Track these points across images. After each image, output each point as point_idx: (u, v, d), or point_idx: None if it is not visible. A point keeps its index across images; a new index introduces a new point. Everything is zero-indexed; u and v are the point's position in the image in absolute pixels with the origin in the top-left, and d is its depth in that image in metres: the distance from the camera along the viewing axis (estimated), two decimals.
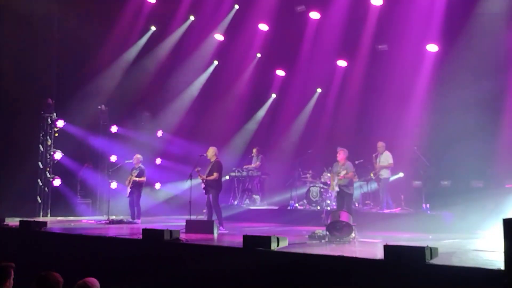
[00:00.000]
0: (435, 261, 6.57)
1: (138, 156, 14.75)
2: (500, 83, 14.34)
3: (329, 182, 14.72)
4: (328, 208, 14.01)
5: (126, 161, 15.24)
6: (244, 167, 17.05)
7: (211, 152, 12.65)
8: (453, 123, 14.33)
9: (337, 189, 12.09)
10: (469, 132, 13.91)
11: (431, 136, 14.79)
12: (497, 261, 6.63)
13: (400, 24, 14.89)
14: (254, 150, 17.33)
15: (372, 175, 14.69)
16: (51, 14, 15.51)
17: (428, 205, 13.08)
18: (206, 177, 12.32)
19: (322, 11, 15.38)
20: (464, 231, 11.72)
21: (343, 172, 11.88)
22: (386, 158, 14.36)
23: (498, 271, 6.05)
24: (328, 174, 14.93)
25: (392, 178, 14.59)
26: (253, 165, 16.99)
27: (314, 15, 15.55)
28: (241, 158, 17.65)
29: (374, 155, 14.53)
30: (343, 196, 12.15)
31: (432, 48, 15.07)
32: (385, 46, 15.57)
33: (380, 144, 14.58)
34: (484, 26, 13.75)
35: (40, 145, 16.00)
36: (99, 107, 17.21)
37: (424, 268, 6.41)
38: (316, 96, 18.55)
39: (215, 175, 12.35)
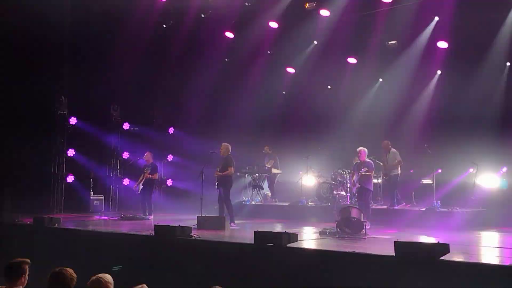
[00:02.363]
0: (446, 257, 6.59)
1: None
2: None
3: (339, 179, 14.84)
4: (339, 205, 14.03)
5: (139, 158, 15.37)
6: (260, 165, 17.03)
7: (224, 148, 12.73)
8: (464, 120, 14.31)
9: (358, 185, 12.42)
10: (480, 128, 13.88)
11: (442, 133, 14.75)
12: (509, 258, 6.65)
13: (410, 20, 14.83)
14: (266, 148, 17.36)
15: (383, 176, 14.73)
16: (64, 10, 15.61)
17: (439, 202, 13.06)
18: (221, 172, 12.40)
19: (332, 9, 15.33)
20: (475, 227, 11.70)
21: (364, 170, 12.20)
22: (393, 156, 14.35)
23: (510, 267, 6.07)
24: (339, 171, 15.02)
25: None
26: (267, 164, 17.02)
27: (325, 12, 15.52)
28: (251, 155, 17.66)
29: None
30: (362, 192, 12.40)
31: (443, 45, 15.00)
32: (395, 43, 15.51)
33: (386, 143, 14.55)
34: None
35: (54, 142, 16.13)
36: (111, 104, 17.32)
37: (435, 265, 6.43)
38: (326, 92, 18.51)
39: (230, 169, 12.48)
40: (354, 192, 13.34)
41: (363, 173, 12.22)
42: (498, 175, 13.52)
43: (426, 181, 14.04)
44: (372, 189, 12.88)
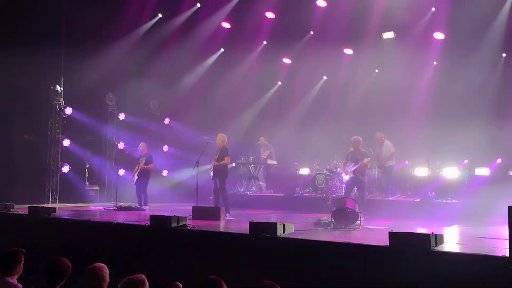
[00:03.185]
0: (440, 248, 6.63)
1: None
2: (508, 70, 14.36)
3: (334, 170, 14.85)
4: (334, 196, 14.06)
5: (134, 149, 15.37)
6: (256, 156, 17.04)
7: (220, 138, 12.75)
8: (458, 111, 14.35)
9: (351, 174, 12.13)
10: (475, 120, 13.91)
11: (437, 124, 14.79)
12: (502, 248, 6.68)
13: (406, 12, 14.84)
14: (262, 139, 17.37)
15: (377, 168, 14.74)
16: (59, 2, 15.53)
17: (433, 193, 13.11)
18: (217, 162, 12.42)
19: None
20: (469, 218, 11.76)
21: (365, 159, 11.90)
22: (387, 148, 14.39)
23: (503, 258, 6.11)
24: (334, 162, 15.02)
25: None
26: (263, 155, 17.04)
27: (321, 3, 15.49)
28: (246, 146, 17.69)
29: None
30: (355, 183, 12.21)
31: (439, 36, 15.01)
32: (392, 34, 15.51)
33: (379, 135, 14.58)
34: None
35: (49, 132, 16.10)
36: (107, 94, 17.26)
37: (429, 255, 6.46)
38: (322, 83, 18.52)
39: (226, 159, 12.52)
40: (347, 181, 13.19)
41: (365, 162, 11.86)
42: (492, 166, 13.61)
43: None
44: (366, 181, 12.57)
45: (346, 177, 12.81)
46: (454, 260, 6.42)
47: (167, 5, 16.72)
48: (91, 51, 15.64)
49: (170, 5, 16.74)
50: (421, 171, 14.11)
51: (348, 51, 17.12)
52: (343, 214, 10.06)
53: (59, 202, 15.58)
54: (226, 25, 17.51)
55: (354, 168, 12.04)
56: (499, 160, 13.68)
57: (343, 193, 12.91)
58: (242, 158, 16.82)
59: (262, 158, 16.94)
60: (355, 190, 12.65)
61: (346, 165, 12.50)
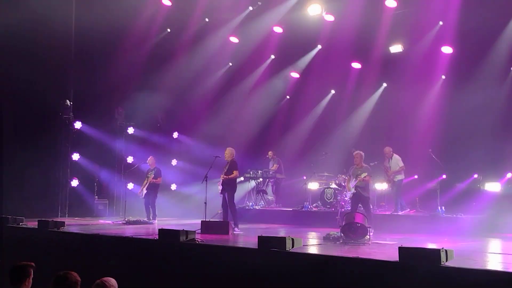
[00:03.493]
0: (451, 263, 6.57)
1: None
2: None
3: (343, 184, 14.77)
4: (343, 210, 14.00)
5: (143, 163, 15.41)
6: (264, 170, 17.05)
7: (228, 152, 12.77)
8: (468, 125, 14.30)
9: (353, 190, 12.01)
10: (485, 134, 13.87)
11: (446, 138, 14.74)
12: None
13: (414, 26, 14.87)
14: (270, 153, 17.36)
15: (386, 183, 14.69)
16: (68, 15, 15.68)
17: (443, 208, 13.03)
18: (227, 176, 12.42)
19: (337, 13, 15.37)
20: (479, 233, 11.67)
21: (363, 174, 11.78)
22: (396, 162, 14.35)
23: None
24: (343, 176, 14.95)
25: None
26: (272, 168, 17.05)
27: (329, 17, 15.55)
28: (255, 160, 17.69)
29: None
30: (359, 199, 12.08)
31: (447, 50, 15.00)
32: (400, 48, 15.53)
33: (387, 150, 14.54)
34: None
35: (58, 146, 16.17)
36: (116, 108, 17.36)
37: (440, 271, 6.41)
38: (330, 97, 18.53)
39: (235, 173, 12.56)
40: (348, 198, 13.12)
41: (361, 179, 11.74)
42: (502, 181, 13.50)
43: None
44: (370, 196, 12.45)
45: (350, 194, 12.57)
46: (465, 276, 6.35)
47: (176, 20, 16.85)
48: (100, 65, 15.79)
49: (178, 20, 16.86)
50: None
51: (356, 65, 17.12)
52: (352, 229, 10.00)
53: (68, 216, 15.60)
54: (234, 39, 17.60)
55: (354, 183, 11.95)
56: (509, 175, 13.57)
57: (339, 211, 12.78)
58: (251, 172, 16.81)
59: (271, 172, 16.92)
60: (360, 206, 12.56)
61: (349, 181, 12.39)
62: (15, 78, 14.60)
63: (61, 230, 11.46)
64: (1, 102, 14.97)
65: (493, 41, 14.19)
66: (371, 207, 14.59)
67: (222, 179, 12.53)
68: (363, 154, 12.21)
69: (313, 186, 16.21)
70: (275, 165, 17.05)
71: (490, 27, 13.64)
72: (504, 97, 14.57)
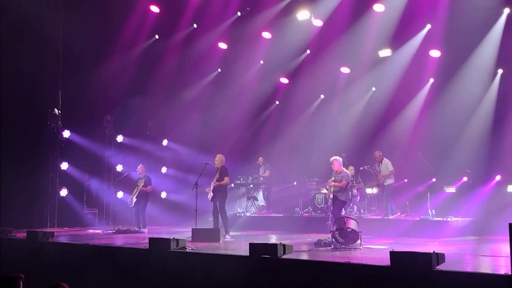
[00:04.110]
0: (442, 267, 6.58)
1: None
2: (505, 86, 14.40)
3: None
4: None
5: (133, 171, 15.32)
6: (254, 176, 16.99)
7: (218, 159, 12.73)
8: (456, 128, 14.38)
9: (331, 196, 11.97)
10: (474, 136, 13.95)
11: (435, 141, 14.79)
12: (504, 266, 6.64)
13: (402, 30, 14.94)
14: (260, 159, 17.33)
15: (375, 188, 14.73)
16: (56, 23, 15.61)
17: (433, 211, 13.07)
18: (217, 182, 12.38)
19: (325, 18, 15.43)
20: (469, 236, 11.71)
21: (330, 179, 11.81)
22: (386, 166, 14.39)
23: (505, 276, 6.06)
24: None
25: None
26: (264, 174, 17.01)
27: (317, 22, 15.60)
28: (245, 166, 17.65)
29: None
30: (335, 203, 11.97)
31: (435, 53, 15.08)
32: (388, 52, 15.60)
33: (377, 154, 14.58)
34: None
35: (46, 155, 16.05)
36: (104, 116, 17.27)
37: (431, 274, 6.42)
38: (319, 102, 18.56)
39: (226, 179, 12.52)
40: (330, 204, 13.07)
41: (333, 184, 11.68)
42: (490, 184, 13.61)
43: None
44: (346, 201, 12.33)
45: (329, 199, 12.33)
46: (456, 279, 6.37)
47: (164, 26, 16.83)
48: (88, 74, 15.71)
49: (166, 26, 16.85)
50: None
51: (344, 69, 17.17)
52: (344, 234, 10.01)
53: (57, 226, 15.46)
54: (222, 45, 17.60)
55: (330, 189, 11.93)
56: (498, 177, 13.65)
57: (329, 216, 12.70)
58: (241, 179, 16.77)
59: (261, 178, 16.88)
60: (343, 211, 12.49)
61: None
62: (2, 86, 14.47)
63: (50, 240, 11.35)
64: None
65: (480, 42, 14.25)
66: (361, 211, 14.71)
67: (213, 186, 12.48)
68: (340, 159, 12.11)
69: (304, 191, 16.18)
70: (266, 171, 17.02)
71: (477, 28, 13.69)
72: (492, 99, 14.63)
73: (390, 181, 14.33)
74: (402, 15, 14.50)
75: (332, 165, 11.95)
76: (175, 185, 17.79)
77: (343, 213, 13.69)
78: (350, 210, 14.74)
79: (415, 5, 14.27)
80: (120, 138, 17.62)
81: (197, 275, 8.50)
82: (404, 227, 12.82)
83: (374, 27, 15.07)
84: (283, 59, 17.68)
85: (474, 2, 13.01)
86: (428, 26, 14.86)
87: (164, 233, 12.92)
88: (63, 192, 16.12)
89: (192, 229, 11.68)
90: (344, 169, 12.05)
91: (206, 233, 11.62)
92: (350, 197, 13.61)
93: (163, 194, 18.04)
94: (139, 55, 17.11)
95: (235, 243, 11.50)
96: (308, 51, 17.39)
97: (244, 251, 8.46)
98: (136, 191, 14.47)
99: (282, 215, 16.04)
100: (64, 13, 15.75)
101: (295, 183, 16.66)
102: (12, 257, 10.94)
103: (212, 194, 12.48)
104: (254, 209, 16.86)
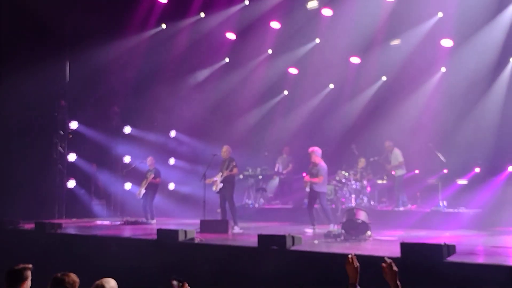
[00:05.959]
0: (452, 258, 6.51)
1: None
2: None
3: (343, 180, 14.67)
4: (344, 206, 13.93)
5: (140, 162, 15.28)
6: (263, 167, 16.90)
7: (225, 150, 12.66)
8: (468, 118, 14.21)
9: (307, 189, 12.03)
10: (485, 126, 13.76)
11: (446, 132, 14.62)
12: None
13: (413, 19, 14.74)
14: (286, 149, 17.15)
15: (385, 178, 14.62)
16: (63, 15, 15.56)
17: (444, 202, 12.94)
18: (229, 172, 12.28)
19: (335, 8, 15.26)
20: (481, 228, 11.58)
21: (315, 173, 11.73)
22: (396, 157, 14.26)
23: None
24: (343, 172, 14.86)
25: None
26: (288, 169, 16.89)
27: (327, 11, 15.43)
28: (254, 157, 17.55)
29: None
30: (313, 195, 11.97)
31: (447, 43, 14.86)
32: (399, 42, 15.40)
33: (388, 144, 14.47)
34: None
35: (54, 147, 16.05)
36: (112, 108, 17.23)
37: (442, 266, 6.35)
38: (329, 92, 18.38)
39: (235, 170, 12.41)
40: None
41: (309, 179, 11.73)
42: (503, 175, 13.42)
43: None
44: (323, 191, 12.18)
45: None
46: (467, 270, 6.29)
47: (171, 15, 16.72)
48: (96, 65, 15.66)
49: (174, 15, 16.74)
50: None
51: (355, 59, 16.97)
52: (353, 225, 9.92)
53: (65, 217, 15.50)
54: (231, 35, 17.46)
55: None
56: (510, 168, 13.47)
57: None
58: (250, 170, 16.69)
59: (284, 172, 16.75)
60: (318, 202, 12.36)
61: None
62: (10, 79, 14.47)
63: (59, 231, 11.38)
64: None
65: (490, 31, 14.02)
66: (371, 202, 14.58)
67: (224, 176, 12.37)
68: (319, 151, 12.04)
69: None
70: (290, 164, 16.93)
71: (488, 14, 13.48)
72: (505, 88, 14.41)
73: (401, 172, 14.19)
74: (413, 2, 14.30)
75: (310, 156, 11.89)
76: (183, 176, 17.74)
77: (353, 204, 13.66)
78: (360, 201, 14.63)
79: None
80: (128, 129, 17.58)
81: (205, 266, 8.46)
82: (415, 218, 12.71)
83: (384, 16, 14.87)
84: (292, 49, 17.52)
85: None
86: (440, 14, 14.63)
87: (172, 224, 12.90)
88: (71, 184, 16.14)
89: (201, 220, 11.64)
90: (320, 163, 11.91)
91: (215, 224, 11.59)
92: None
93: (171, 186, 18.01)
94: (146, 46, 17.02)
95: (243, 234, 11.45)
96: (318, 41, 17.20)
97: (253, 242, 8.41)
98: (145, 183, 14.44)
99: (291, 206, 15.96)
100: (71, 4, 15.69)
101: (304, 174, 16.53)
102: (20, 248, 10.99)
103: (221, 185, 12.36)
104: (263, 201, 16.79)
